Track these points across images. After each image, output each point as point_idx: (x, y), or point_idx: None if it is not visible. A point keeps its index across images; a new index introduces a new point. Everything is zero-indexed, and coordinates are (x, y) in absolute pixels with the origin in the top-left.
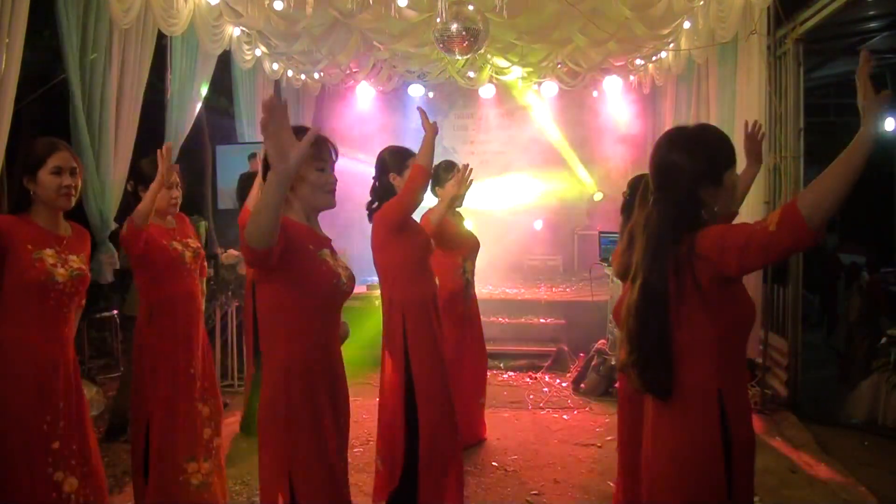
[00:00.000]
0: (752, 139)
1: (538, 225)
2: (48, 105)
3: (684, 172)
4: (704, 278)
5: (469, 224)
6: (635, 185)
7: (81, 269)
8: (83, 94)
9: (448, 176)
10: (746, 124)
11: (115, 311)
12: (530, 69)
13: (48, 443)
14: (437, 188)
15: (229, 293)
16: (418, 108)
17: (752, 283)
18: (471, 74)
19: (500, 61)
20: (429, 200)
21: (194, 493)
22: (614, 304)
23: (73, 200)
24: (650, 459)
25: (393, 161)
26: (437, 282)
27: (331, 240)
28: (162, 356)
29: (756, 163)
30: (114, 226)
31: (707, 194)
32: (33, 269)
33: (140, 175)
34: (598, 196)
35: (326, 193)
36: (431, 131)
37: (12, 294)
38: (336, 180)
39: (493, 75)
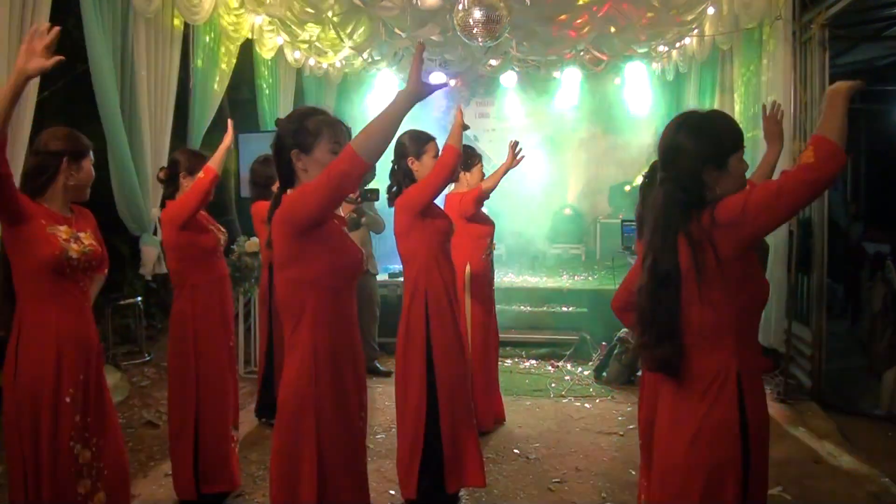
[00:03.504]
0: (773, 120)
1: (566, 212)
2: (71, 95)
3: (688, 153)
4: (727, 248)
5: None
6: (654, 169)
7: (93, 244)
8: (120, 86)
9: (472, 162)
10: (765, 107)
11: (139, 298)
12: (554, 57)
13: (71, 416)
14: (462, 172)
15: (252, 280)
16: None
17: (777, 271)
18: (492, 62)
19: (522, 48)
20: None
21: (235, 456)
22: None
23: None
24: (667, 443)
25: (412, 145)
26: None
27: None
28: (207, 335)
29: (777, 143)
30: (156, 215)
31: (710, 177)
32: (48, 244)
33: (175, 165)
34: (628, 187)
35: None
36: (461, 115)
37: (29, 273)
38: None
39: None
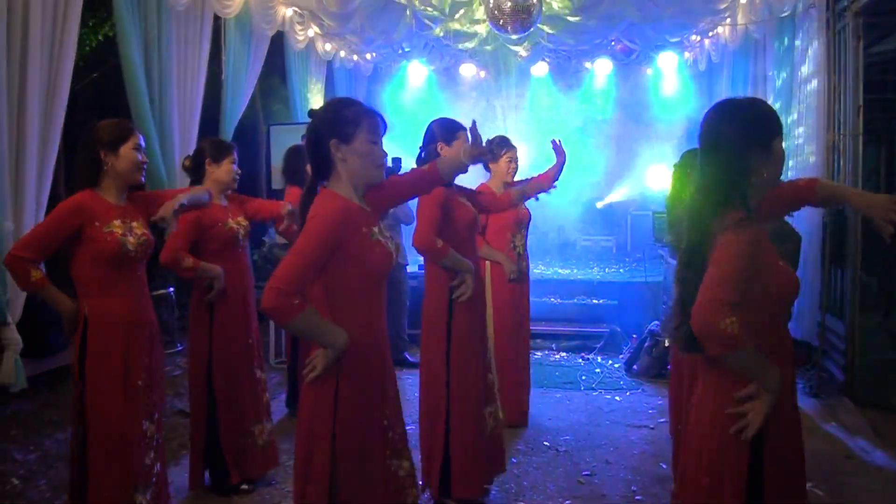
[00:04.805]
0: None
1: (598, 204)
2: (104, 87)
3: (734, 137)
4: None
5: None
6: (685, 162)
7: (146, 234)
8: (147, 79)
9: (499, 151)
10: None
11: (171, 289)
12: (586, 47)
13: (144, 397)
14: (491, 164)
15: None
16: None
17: (810, 264)
18: (523, 53)
19: (553, 38)
20: (477, 174)
21: (260, 453)
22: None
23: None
24: (691, 426)
25: (442, 132)
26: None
27: (377, 214)
28: (223, 328)
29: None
30: None
31: (758, 159)
32: (106, 242)
33: (200, 153)
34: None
35: (376, 168)
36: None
37: (89, 269)
38: (386, 154)
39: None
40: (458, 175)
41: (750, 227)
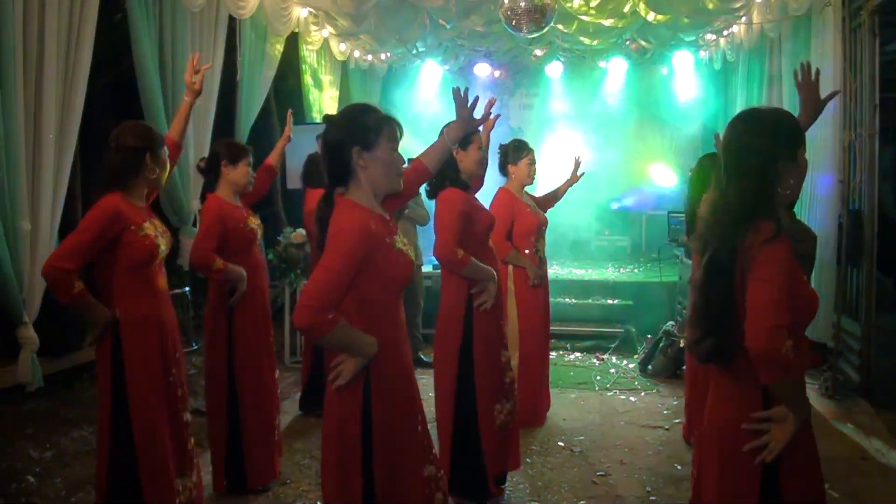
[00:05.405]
0: (809, 85)
1: (614, 206)
2: (119, 90)
3: (761, 150)
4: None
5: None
6: (702, 165)
7: (166, 230)
8: (161, 81)
9: (519, 155)
10: (796, 73)
11: (187, 289)
12: (601, 46)
13: (175, 390)
14: (509, 165)
15: (298, 271)
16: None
17: (826, 264)
18: (538, 52)
19: (568, 38)
20: (494, 179)
21: (279, 446)
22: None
23: None
24: (706, 427)
25: None
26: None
27: (395, 222)
28: (244, 326)
29: (812, 115)
30: (196, 207)
31: (784, 170)
32: (145, 245)
33: (216, 155)
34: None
35: (397, 176)
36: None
37: (125, 273)
38: (405, 161)
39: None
40: (444, 159)
41: (783, 241)
